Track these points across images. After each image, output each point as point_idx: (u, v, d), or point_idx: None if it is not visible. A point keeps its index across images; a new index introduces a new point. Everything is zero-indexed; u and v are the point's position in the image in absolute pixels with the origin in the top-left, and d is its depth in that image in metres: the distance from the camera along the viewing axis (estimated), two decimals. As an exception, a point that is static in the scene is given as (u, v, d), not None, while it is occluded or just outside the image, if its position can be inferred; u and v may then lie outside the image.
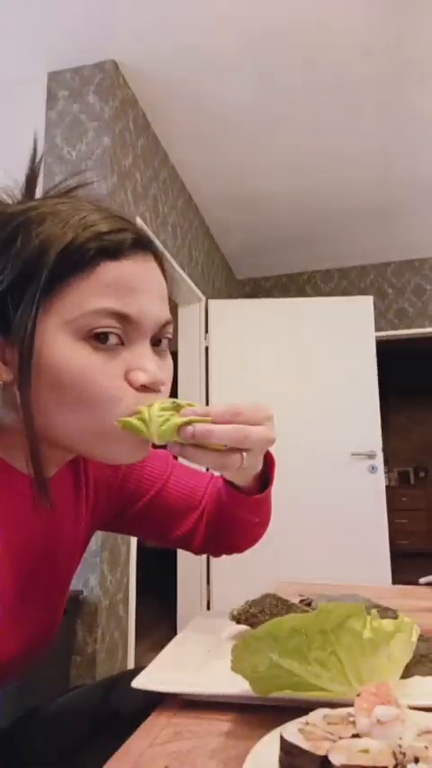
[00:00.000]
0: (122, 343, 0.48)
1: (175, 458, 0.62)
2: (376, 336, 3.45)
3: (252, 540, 0.71)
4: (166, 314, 0.51)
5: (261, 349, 3.30)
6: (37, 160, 0.54)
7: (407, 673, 0.44)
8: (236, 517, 0.65)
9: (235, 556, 0.75)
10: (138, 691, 0.45)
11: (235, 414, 0.49)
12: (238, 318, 3.36)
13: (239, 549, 0.72)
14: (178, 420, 0.47)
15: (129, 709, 0.58)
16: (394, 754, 0.30)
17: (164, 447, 0.51)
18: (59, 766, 0.59)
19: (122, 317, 0.47)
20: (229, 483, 0.63)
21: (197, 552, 0.72)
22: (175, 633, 0.62)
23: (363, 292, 4.05)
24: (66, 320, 0.46)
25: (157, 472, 0.69)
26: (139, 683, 0.46)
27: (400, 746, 0.31)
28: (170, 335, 0.53)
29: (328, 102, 2.43)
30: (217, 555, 0.73)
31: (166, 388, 0.51)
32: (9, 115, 2.28)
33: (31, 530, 0.54)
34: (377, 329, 3.87)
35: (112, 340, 0.47)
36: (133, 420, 0.47)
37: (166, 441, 0.48)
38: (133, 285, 0.48)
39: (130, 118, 2.35)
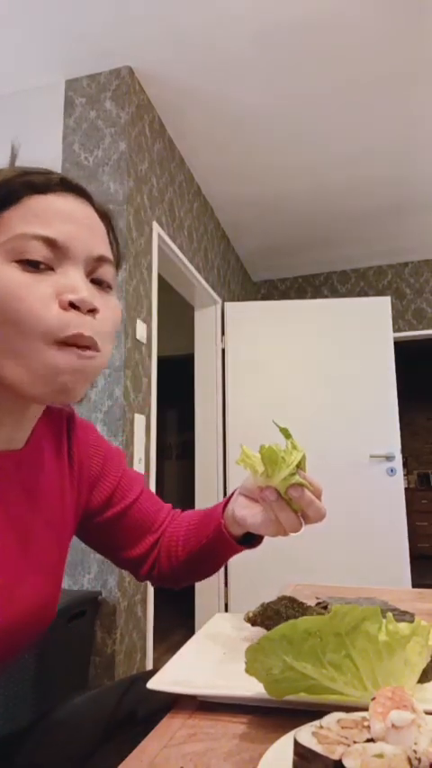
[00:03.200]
0: (52, 270, 0.49)
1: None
2: (394, 337, 3.42)
3: (209, 575, 0.74)
4: (99, 248, 0.52)
5: (278, 351, 3.29)
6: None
7: (423, 677, 0.44)
8: (217, 557, 0.69)
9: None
10: (154, 692, 0.45)
11: (321, 489, 0.60)
12: (254, 321, 3.35)
13: (193, 581, 0.74)
14: (299, 480, 0.57)
15: (145, 711, 0.59)
16: (409, 759, 0.30)
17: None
18: (75, 766, 0.60)
19: (49, 242, 0.48)
20: (226, 529, 0.66)
21: (140, 578, 0.73)
22: (193, 635, 0.62)
23: (380, 293, 4.02)
24: None
25: (131, 486, 0.71)
26: (154, 684, 0.46)
27: (415, 752, 0.30)
28: (108, 277, 0.53)
29: (342, 102, 2.42)
30: (159, 584, 0.74)
31: (103, 324, 0.50)
32: (29, 123, 2.31)
33: (11, 494, 0.54)
34: (395, 330, 3.84)
35: (38, 259, 0.48)
36: (257, 455, 0.57)
37: (278, 486, 0.57)
38: (60, 215, 0.50)
39: (146, 123, 2.36)
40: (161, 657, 2.37)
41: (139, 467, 2.12)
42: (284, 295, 4.29)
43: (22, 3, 1.92)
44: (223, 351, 3.30)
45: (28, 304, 0.46)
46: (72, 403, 0.52)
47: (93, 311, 0.49)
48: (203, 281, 3.04)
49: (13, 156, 0.57)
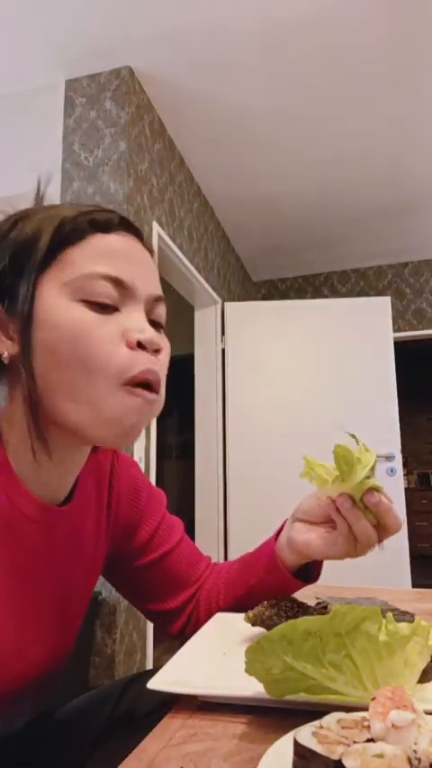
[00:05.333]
0: (117, 309, 0.49)
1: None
2: (395, 337, 3.41)
3: None
4: (157, 288, 0.53)
5: (278, 351, 3.29)
6: (41, 193, 0.57)
7: (423, 677, 0.44)
8: (269, 597, 0.62)
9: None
10: (153, 692, 0.45)
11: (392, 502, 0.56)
12: (254, 321, 3.35)
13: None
14: (376, 483, 0.53)
15: (144, 710, 0.59)
16: (409, 759, 0.30)
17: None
18: (75, 766, 0.60)
19: (116, 282, 0.49)
20: (281, 563, 0.62)
21: (173, 635, 0.68)
22: (193, 635, 0.62)
23: (380, 293, 4.02)
24: (63, 283, 0.48)
25: (170, 533, 0.68)
26: (154, 684, 0.46)
27: (415, 752, 0.30)
28: (163, 318, 0.54)
29: (342, 101, 2.42)
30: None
31: (164, 365, 0.51)
32: (29, 123, 2.31)
33: (39, 555, 0.52)
34: (395, 330, 3.84)
35: (106, 301, 0.48)
36: (322, 464, 0.54)
37: (353, 493, 0.54)
38: (124, 255, 0.51)
39: (146, 123, 2.36)
40: (161, 657, 2.37)
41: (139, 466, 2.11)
42: (284, 295, 4.29)
43: (22, 3, 1.92)
44: (223, 351, 3.30)
45: (98, 344, 0.46)
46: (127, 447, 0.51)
47: (158, 351, 0.50)
48: (203, 281, 3.04)
49: (39, 192, 0.56)
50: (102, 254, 0.49)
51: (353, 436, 0.56)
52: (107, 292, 0.48)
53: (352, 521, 0.55)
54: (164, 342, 0.52)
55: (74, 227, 0.49)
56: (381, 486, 0.54)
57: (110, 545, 0.64)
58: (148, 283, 0.51)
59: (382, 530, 0.56)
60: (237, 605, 0.65)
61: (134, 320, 0.49)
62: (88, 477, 0.60)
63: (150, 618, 0.70)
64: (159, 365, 0.49)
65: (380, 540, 0.56)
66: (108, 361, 0.46)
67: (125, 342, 0.47)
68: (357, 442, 0.55)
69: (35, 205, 0.55)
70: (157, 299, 0.52)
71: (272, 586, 0.63)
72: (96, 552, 0.61)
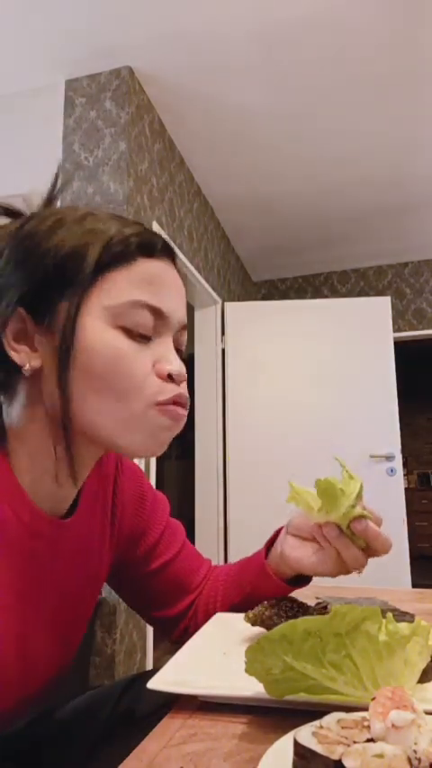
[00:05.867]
0: (151, 338, 0.50)
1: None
2: (395, 337, 3.41)
3: None
4: (185, 316, 0.54)
5: (278, 351, 3.29)
6: (58, 182, 0.56)
7: (423, 677, 0.44)
8: (255, 601, 0.64)
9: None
10: (153, 692, 0.45)
11: (380, 521, 0.56)
12: (254, 321, 3.35)
13: None
14: (361, 511, 0.53)
15: (144, 711, 0.59)
16: (409, 759, 0.30)
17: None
18: (75, 766, 0.60)
19: (156, 312, 0.50)
20: (272, 572, 0.63)
21: (172, 640, 0.69)
22: (193, 635, 0.61)
23: (380, 293, 4.02)
24: (104, 307, 0.48)
25: (172, 541, 0.68)
26: (154, 684, 0.46)
27: (415, 752, 0.30)
28: (185, 344, 0.55)
29: (342, 101, 2.42)
30: None
31: (185, 387, 0.53)
32: (29, 123, 2.31)
33: (44, 568, 0.52)
34: (395, 330, 3.83)
35: (144, 332, 0.49)
36: (308, 490, 0.53)
37: (339, 522, 0.54)
38: (165, 283, 0.51)
39: (146, 123, 2.36)
40: (161, 657, 2.37)
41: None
42: (284, 295, 4.29)
43: (22, 3, 1.92)
44: (223, 351, 3.30)
45: (132, 374, 0.48)
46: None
47: (184, 381, 0.52)
48: (203, 281, 3.04)
49: (55, 181, 0.56)
50: (147, 282, 0.49)
51: (338, 460, 0.56)
52: (146, 323, 0.49)
53: (340, 548, 0.56)
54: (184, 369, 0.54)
55: (122, 250, 0.49)
56: (367, 513, 0.54)
57: (114, 553, 0.64)
58: (180, 312, 0.52)
59: (372, 552, 0.57)
60: (232, 611, 0.66)
61: (165, 351, 0.51)
62: (92, 485, 0.60)
63: (151, 623, 0.70)
64: (185, 391, 0.52)
65: (372, 555, 0.57)
66: (141, 389, 0.48)
67: (156, 372, 0.49)
68: (343, 467, 0.56)
69: (48, 200, 0.54)
70: (183, 328, 0.54)
71: (267, 592, 0.63)
72: (101, 562, 0.61)
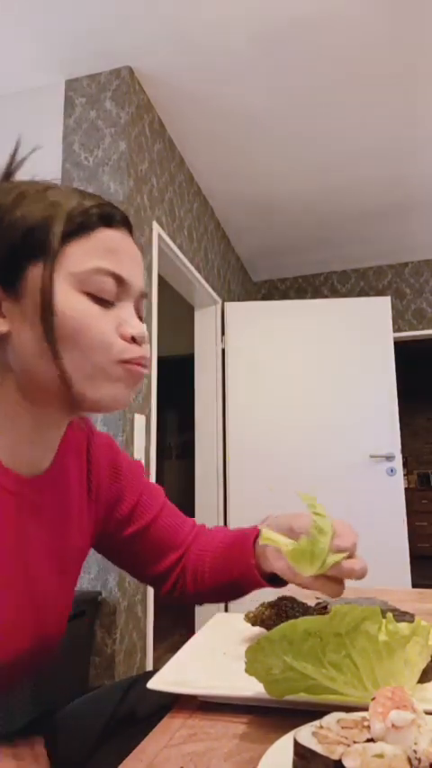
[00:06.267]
0: (113, 303, 0.54)
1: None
2: (395, 337, 3.42)
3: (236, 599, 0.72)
4: (143, 284, 0.57)
5: (278, 351, 3.29)
6: (17, 156, 0.58)
7: (423, 677, 0.44)
8: (246, 590, 0.68)
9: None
10: (155, 693, 0.45)
11: (354, 541, 0.56)
12: (254, 321, 3.35)
13: (218, 603, 0.73)
14: (338, 558, 0.53)
15: (145, 711, 0.59)
16: (409, 759, 0.30)
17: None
18: (75, 766, 0.60)
19: (118, 279, 0.53)
20: (259, 572, 0.64)
21: (162, 596, 0.72)
22: (193, 635, 0.62)
23: (380, 293, 4.02)
24: (70, 273, 0.51)
25: (151, 502, 0.71)
26: (154, 684, 0.46)
27: (415, 752, 0.30)
28: (144, 312, 0.59)
29: (342, 102, 2.42)
30: (180, 602, 0.73)
31: (148, 348, 0.56)
32: (29, 123, 2.31)
33: (25, 524, 0.54)
34: (395, 330, 3.84)
35: (108, 297, 0.53)
36: (299, 548, 0.52)
37: (318, 573, 0.53)
38: (125, 252, 0.55)
39: (146, 123, 2.36)
40: (161, 657, 2.37)
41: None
42: (284, 295, 4.29)
43: (22, 3, 1.92)
44: (223, 351, 3.30)
45: (99, 336, 0.51)
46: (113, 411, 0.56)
47: (146, 344, 0.55)
48: (203, 281, 3.04)
49: (15, 149, 0.58)
50: (107, 250, 0.53)
51: (304, 498, 0.55)
52: (110, 289, 0.53)
53: (317, 590, 0.56)
54: (146, 332, 0.57)
55: (84, 220, 0.52)
56: (341, 558, 0.53)
57: (95, 523, 0.66)
58: (138, 280, 0.56)
59: (350, 578, 0.57)
60: (219, 589, 0.69)
61: (127, 316, 0.54)
62: (67, 449, 0.62)
63: (143, 581, 0.73)
64: (147, 353, 0.55)
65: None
66: (107, 349, 0.52)
67: (120, 334, 0.53)
68: (312, 506, 0.55)
69: (7, 174, 0.56)
70: (142, 295, 0.57)
71: (248, 586, 0.66)
72: (81, 528, 0.63)
